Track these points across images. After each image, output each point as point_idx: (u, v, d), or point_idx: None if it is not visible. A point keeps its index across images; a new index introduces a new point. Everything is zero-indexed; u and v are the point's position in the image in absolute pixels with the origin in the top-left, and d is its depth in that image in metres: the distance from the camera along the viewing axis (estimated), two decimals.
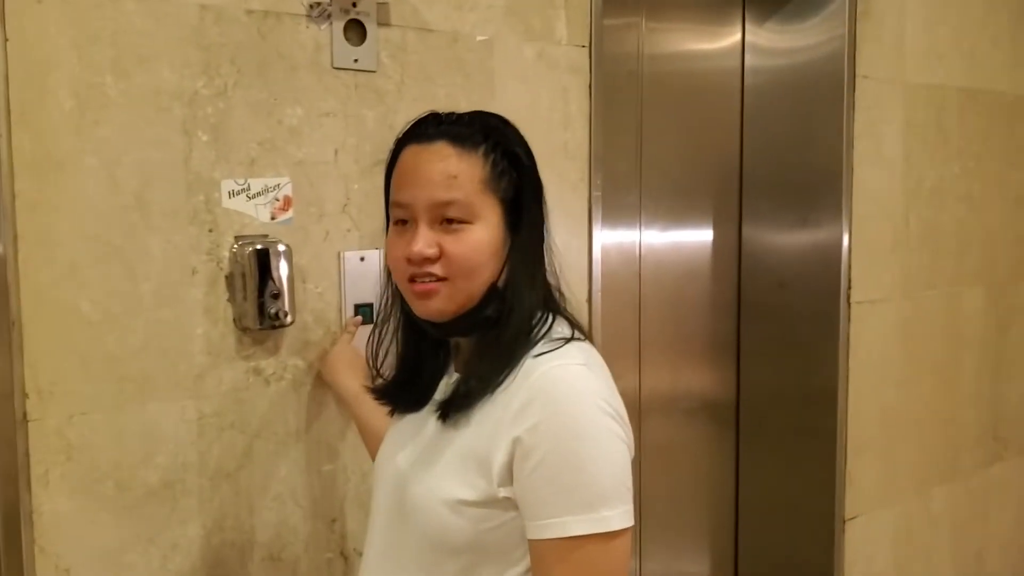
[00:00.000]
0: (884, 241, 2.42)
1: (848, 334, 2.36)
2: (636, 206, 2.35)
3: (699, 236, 2.48)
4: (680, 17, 2.39)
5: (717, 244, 2.50)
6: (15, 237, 1.26)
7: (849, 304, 2.35)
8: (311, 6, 1.48)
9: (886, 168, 2.40)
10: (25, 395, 1.28)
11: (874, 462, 2.46)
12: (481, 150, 1.10)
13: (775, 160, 2.44)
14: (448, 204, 1.08)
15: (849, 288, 2.34)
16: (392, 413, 1.27)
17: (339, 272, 1.55)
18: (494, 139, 1.12)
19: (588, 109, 1.84)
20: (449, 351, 1.24)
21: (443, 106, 1.63)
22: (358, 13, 1.52)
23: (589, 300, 1.91)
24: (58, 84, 1.28)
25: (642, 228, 2.36)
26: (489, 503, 1.05)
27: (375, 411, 1.37)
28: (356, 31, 1.53)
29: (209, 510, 1.44)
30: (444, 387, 1.20)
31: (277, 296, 1.44)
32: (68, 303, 1.30)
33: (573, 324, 1.15)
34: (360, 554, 1.61)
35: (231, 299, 1.44)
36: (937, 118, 2.52)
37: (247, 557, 1.49)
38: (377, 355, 1.25)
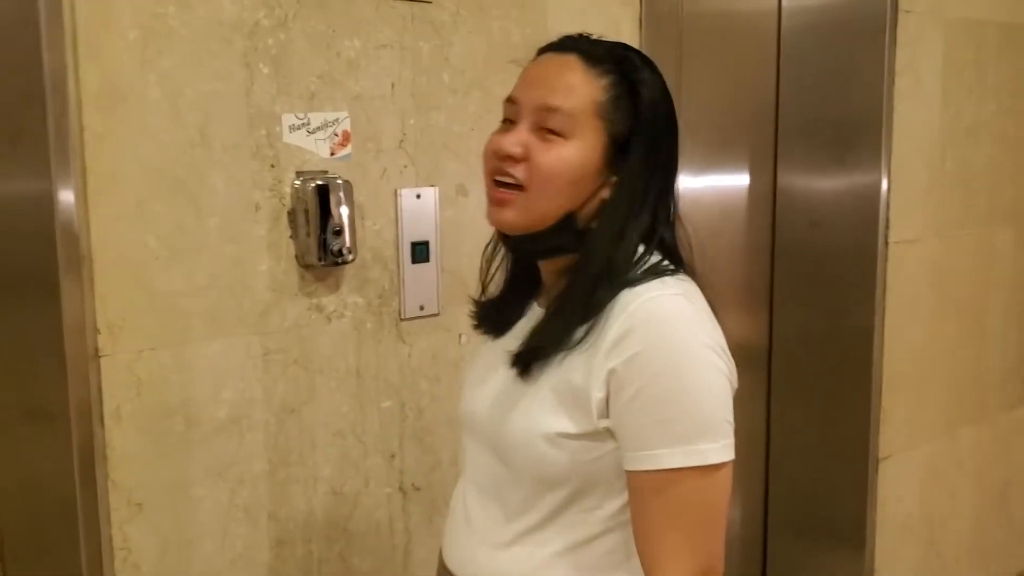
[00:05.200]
0: (920, 180, 2.40)
1: (885, 274, 2.36)
2: None
3: (735, 175, 2.46)
4: None
5: (752, 183, 2.48)
6: (83, 170, 1.24)
7: (887, 244, 2.34)
8: None
9: (924, 105, 2.38)
10: (96, 330, 1.28)
11: (906, 403, 2.47)
12: (608, 78, 1.06)
13: (813, 98, 2.41)
14: (552, 111, 1.05)
15: (887, 228, 2.33)
16: (475, 327, 1.26)
17: (396, 209, 1.54)
18: (625, 72, 1.07)
19: (638, 43, 1.82)
20: (538, 279, 1.21)
21: (497, 38, 1.63)
22: None
23: None
24: (122, 15, 1.25)
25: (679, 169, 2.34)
26: (590, 435, 1.04)
27: None
28: None
29: (275, 445, 1.45)
30: (529, 318, 1.17)
31: (339, 233, 1.43)
32: (135, 238, 1.29)
33: (675, 260, 1.10)
34: (417, 488, 1.62)
35: (293, 235, 1.43)
36: (976, 54, 2.49)
37: (311, 491, 1.50)
38: (487, 271, 1.23)
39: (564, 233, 1.09)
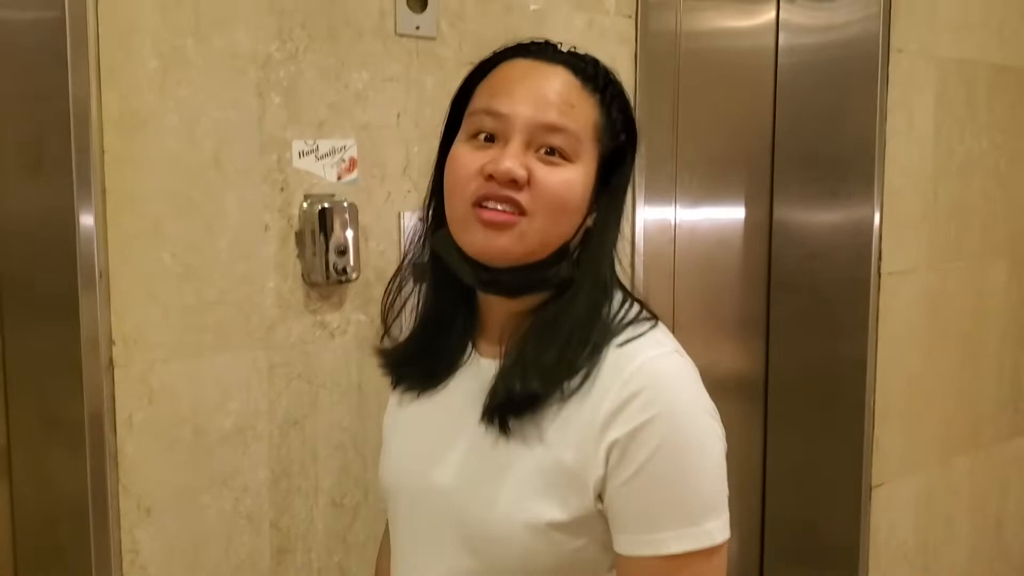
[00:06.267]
0: (913, 213, 2.47)
1: (878, 304, 2.41)
2: (672, 181, 2.40)
3: (732, 210, 2.53)
4: None
5: (749, 216, 2.55)
6: (103, 191, 1.32)
7: (879, 275, 2.40)
8: None
9: (917, 141, 2.45)
10: (112, 342, 1.35)
11: (900, 432, 2.52)
12: (597, 96, 0.99)
13: (808, 134, 2.48)
14: (558, 131, 0.94)
15: (880, 259, 2.39)
16: (395, 385, 1.11)
17: (399, 231, 1.61)
18: (613, 89, 1.02)
19: (634, 80, 1.90)
20: (473, 319, 1.05)
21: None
22: None
23: (632, 276, 1.96)
24: (143, 45, 1.33)
25: (677, 203, 2.41)
26: (582, 521, 0.93)
27: None
28: None
29: (278, 456, 1.51)
30: (473, 371, 1.02)
31: (343, 252, 1.50)
32: (151, 255, 1.37)
33: (641, 303, 1.02)
34: None
35: (300, 255, 1.50)
36: (968, 93, 2.56)
37: (312, 502, 1.56)
38: (391, 306, 1.09)
39: (557, 265, 0.98)
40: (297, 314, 1.51)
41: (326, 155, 1.51)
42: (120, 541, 1.38)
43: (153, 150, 1.35)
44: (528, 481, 0.93)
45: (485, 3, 1.66)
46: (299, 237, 1.50)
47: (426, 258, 1.06)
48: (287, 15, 1.45)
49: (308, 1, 1.47)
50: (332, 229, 1.49)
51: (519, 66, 1.00)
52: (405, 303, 1.10)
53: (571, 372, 0.93)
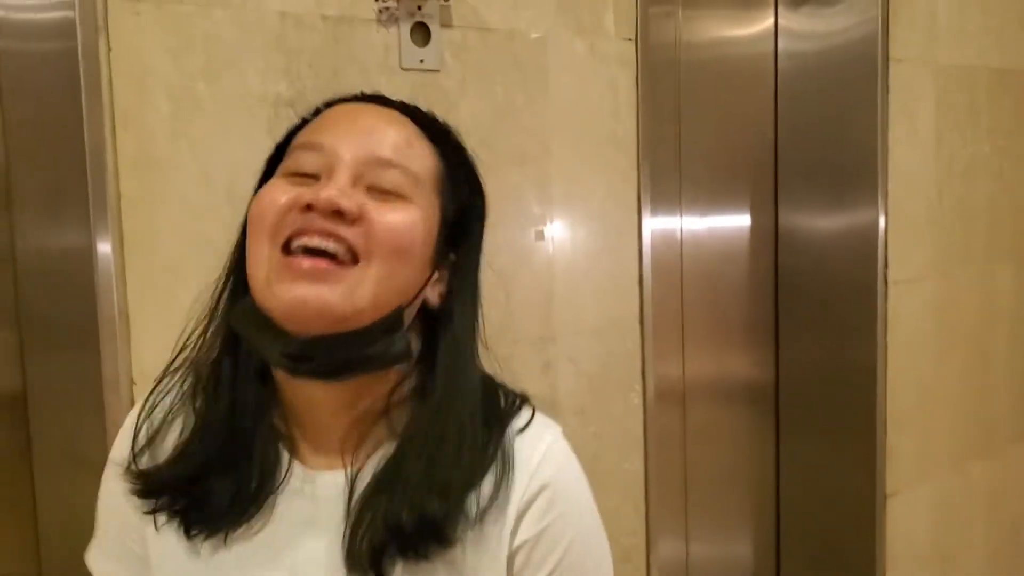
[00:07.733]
0: (918, 220, 2.48)
1: (886, 312, 2.43)
2: (676, 192, 2.43)
3: (737, 219, 2.55)
4: (715, 3, 2.46)
5: (755, 227, 2.57)
6: (120, 232, 1.35)
7: (887, 282, 2.41)
8: (380, 11, 1.56)
9: (919, 148, 2.46)
10: (132, 382, 1.37)
11: (912, 439, 2.52)
12: (438, 149, 0.86)
13: (811, 141, 2.50)
14: (392, 167, 0.78)
15: (886, 267, 2.41)
16: (188, 531, 0.80)
17: None
18: (455, 144, 0.89)
19: (636, 100, 1.92)
20: (284, 421, 0.84)
21: (501, 101, 1.73)
22: (423, 16, 1.60)
23: (640, 288, 1.98)
24: (156, 89, 1.37)
25: (682, 213, 2.43)
26: None
27: None
28: (421, 33, 1.61)
29: None
30: (305, 491, 0.80)
31: None
32: (169, 294, 1.40)
33: (494, 379, 0.89)
34: None
35: None
36: (969, 98, 2.58)
37: None
38: (155, 403, 0.87)
39: (389, 336, 0.78)
40: None
41: None
42: None
43: (168, 191, 1.39)
44: None
45: (487, 33, 1.69)
46: None
47: (216, 345, 0.85)
48: (294, 54, 1.48)
49: (314, 40, 1.50)
50: None
51: (348, 107, 0.86)
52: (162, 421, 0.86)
53: (480, 477, 0.77)
